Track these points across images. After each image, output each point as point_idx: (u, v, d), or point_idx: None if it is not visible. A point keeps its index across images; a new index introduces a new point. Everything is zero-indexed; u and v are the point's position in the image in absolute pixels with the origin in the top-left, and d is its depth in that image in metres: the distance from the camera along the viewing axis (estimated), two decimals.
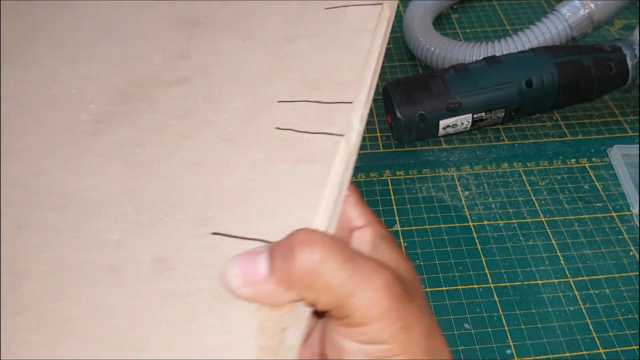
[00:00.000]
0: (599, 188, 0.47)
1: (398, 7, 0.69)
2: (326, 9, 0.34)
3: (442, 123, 0.49)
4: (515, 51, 0.53)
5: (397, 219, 0.46)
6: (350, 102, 0.28)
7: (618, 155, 0.49)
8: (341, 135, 0.26)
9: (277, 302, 0.21)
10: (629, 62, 0.50)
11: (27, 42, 0.39)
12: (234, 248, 0.23)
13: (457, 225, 0.45)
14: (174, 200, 0.26)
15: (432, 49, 0.57)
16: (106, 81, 0.34)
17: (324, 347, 0.24)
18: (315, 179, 0.25)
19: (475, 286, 0.41)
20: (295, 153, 0.27)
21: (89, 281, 0.24)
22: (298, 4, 0.36)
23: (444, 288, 0.41)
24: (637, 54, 0.50)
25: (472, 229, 0.45)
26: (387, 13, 0.33)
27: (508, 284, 0.41)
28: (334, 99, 0.29)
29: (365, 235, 0.26)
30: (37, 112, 0.33)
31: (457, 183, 0.48)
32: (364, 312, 0.21)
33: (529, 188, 0.47)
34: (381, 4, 0.33)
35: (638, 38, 0.50)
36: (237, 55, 0.33)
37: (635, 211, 0.45)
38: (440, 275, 0.42)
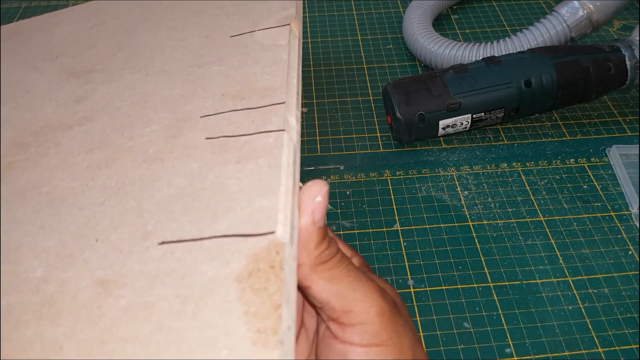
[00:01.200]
0: (598, 188, 0.47)
1: (398, 7, 0.70)
2: (231, 36, 0.33)
3: (442, 123, 0.49)
4: (515, 52, 0.53)
5: (397, 218, 0.46)
6: (283, 103, 0.27)
7: (617, 155, 0.49)
8: (282, 130, 0.25)
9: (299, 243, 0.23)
10: (628, 63, 0.50)
11: None
12: (190, 251, 0.22)
13: (456, 224, 0.45)
14: (102, 225, 0.24)
15: (432, 49, 0.57)
16: None
17: None
18: (265, 170, 0.24)
19: (475, 285, 0.41)
20: (235, 154, 0.25)
21: (20, 323, 0.21)
22: (198, 39, 0.34)
23: (443, 287, 0.41)
24: (636, 55, 0.50)
25: (472, 229, 0.45)
26: (296, 32, 0.32)
27: (507, 283, 0.41)
28: (264, 103, 0.28)
29: (356, 262, 0.27)
30: None
31: (457, 183, 0.48)
32: (364, 308, 0.23)
33: (528, 188, 0.48)
34: (289, 24, 0.32)
35: (637, 38, 0.50)
36: (143, 88, 0.31)
37: (634, 211, 0.45)
38: (440, 274, 0.42)
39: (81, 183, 0.26)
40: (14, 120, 0.32)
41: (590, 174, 0.49)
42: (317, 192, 0.23)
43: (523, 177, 0.49)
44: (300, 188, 0.24)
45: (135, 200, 0.24)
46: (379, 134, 0.53)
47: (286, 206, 0.22)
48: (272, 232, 0.21)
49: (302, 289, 0.24)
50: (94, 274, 0.22)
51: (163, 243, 0.22)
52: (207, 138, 0.26)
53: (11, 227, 0.25)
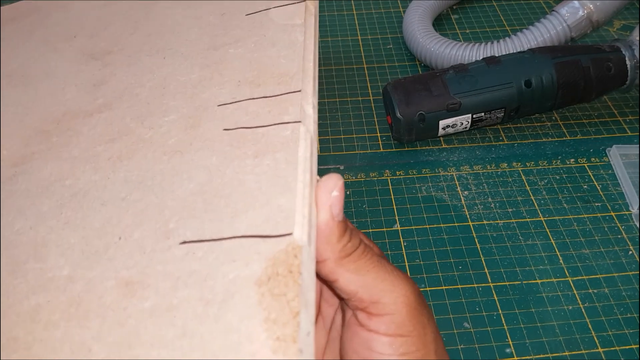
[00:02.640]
0: (598, 188, 0.47)
1: (398, 7, 0.70)
2: (247, 15, 0.33)
3: (442, 123, 0.49)
4: (515, 52, 0.53)
5: (397, 218, 0.46)
6: (299, 91, 0.27)
7: (617, 155, 0.49)
8: (298, 121, 0.25)
9: (319, 238, 0.23)
10: (628, 63, 0.50)
11: None
12: (211, 251, 0.22)
13: (456, 224, 0.45)
14: (126, 222, 0.24)
15: (432, 49, 0.57)
16: (17, 126, 0.31)
17: (344, 354, 0.25)
18: (283, 166, 0.24)
19: (475, 285, 0.41)
20: (252, 148, 0.25)
21: (48, 324, 0.22)
22: (214, 17, 0.34)
23: (443, 287, 0.41)
24: (636, 55, 0.50)
25: (472, 229, 0.45)
26: (312, 9, 0.32)
27: (507, 283, 0.41)
28: (280, 91, 0.27)
29: (374, 251, 0.27)
30: None
31: (457, 183, 0.48)
32: (392, 299, 0.23)
33: (528, 188, 0.48)
34: (303, 1, 0.32)
35: (637, 38, 0.50)
36: (160, 72, 0.31)
37: (634, 211, 0.45)
38: (440, 274, 0.42)
39: (103, 176, 0.26)
40: (36, 106, 0.32)
41: (590, 174, 0.49)
42: (333, 186, 0.23)
43: (523, 177, 0.48)
44: (318, 181, 0.24)
45: (156, 195, 0.25)
46: (379, 134, 0.53)
47: (304, 205, 0.22)
48: (290, 234, 0.21)
49: (328, 283, 0.24)
50: (119, 274, 0.22)
51: (185, 242, 0.22)
52: (224, 129, 0.26)
53: (38, 222, 0.25)
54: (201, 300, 0.20)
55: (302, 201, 0.22)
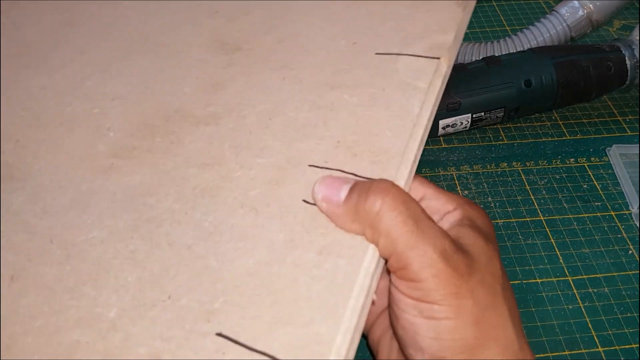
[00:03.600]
0: (598, 187, 0.47)
1: None
2: (377, 54, 0.31)
3: (442, 123, 0.49)
4: (515, 51, 0.53)
5: None
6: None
7: (617, 154, 0.49)
8: None
9: (342, 227, 0.24)
10: (628, 62, 0.50)
11: (57, 42, 0.35)
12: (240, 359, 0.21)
13: None
14: (180, 278, 0.24)
15: None
16: (131, 106, 0.31)
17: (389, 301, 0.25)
18: (340, 279, 0.22)
19: None
20: (320, 240, 0.24)
21: None
22: (346, 43, 0.32)
23: None
24: (636, 54, 0.50)
25: None
26: (444, 69, 0.29)
27: None
28: (371, 173, 0.26)
29: (455, 216, 0.27)
30: (54, 131, 0.30)
31: (457, 182, 0.48)
32: (418, 267, 0.22)
33: (528, 187, 0.48)
34: (438, 58, 0.29)
35: (637, 38, 0.50)
36: (274, 96, 0.30)
37: (634, 210, 0.45)
38: None
39: (182, 208, 0.26)
40: (157, 86, 0.31)
41: (590, 173, 0.49)
42: (315, 190, 0.25)
43: (523, 176, 0.48)
44: (373, 302, 0.24)
45: (216, 259, 0.24)
46: None
47: (344, 341, 0.21)
48: None
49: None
50: (154, 342, 0.22)
51: (220, 335, 0.22)
52: (303, 200, 0.26)
53: (110, 238, 0.25)
54: None
55: (342, 337, 0.21)
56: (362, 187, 0.24)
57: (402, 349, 0.25)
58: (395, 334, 0.25)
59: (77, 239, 0.25)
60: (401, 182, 0.25)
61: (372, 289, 0.23)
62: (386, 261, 0.24)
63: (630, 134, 0.52)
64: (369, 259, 0.23)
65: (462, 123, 0.49)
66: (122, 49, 0.34)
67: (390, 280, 0.25)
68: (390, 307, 0.25)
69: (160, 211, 0.26)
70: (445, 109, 0.48)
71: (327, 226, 0.24)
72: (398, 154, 0.26)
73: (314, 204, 0.25)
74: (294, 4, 0.36)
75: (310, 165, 0.27)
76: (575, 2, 0.54)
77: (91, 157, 0.29)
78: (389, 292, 0.25)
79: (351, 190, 0.24)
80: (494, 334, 0.23)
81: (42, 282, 0.24)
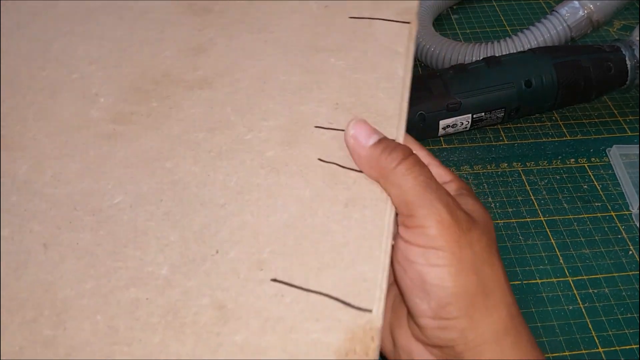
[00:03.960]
0: (598, 188, 0.47)
1: None
2: (350, 17, 0.32)
3: (442, 123, 0.49)
4: (515, 52, 0.53)
5: None
6: (393, 140, 0.27)
7: (617, 155, 0.49)
8: None
9: (360, 167, 0.26)
10: (628, 63, 0.50)
11: (4, 6, 0.33)
12: (298, 302, 0.22)
13: None
14: (222, 234, 0.24)
15: (432, 49, 0.57)
16: (112, 70, 0.30)
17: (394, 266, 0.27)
18: (370, 227, 0.25)
19: None
20: (344, 193, 0.26)
21: (146, 325, 0.22)
22: (317, 5, 0.33)
23: None
24: (636, 55, 0.50)
25: None
26: (413, 34, 0.31)
27: None
28: None
29: (451, 186, 0.30)
30: (36, 98, 0.29)
31: None
32: (425, 214, 0.25)
33: (528, 188, 0.48)
34: (409, 23, 0.31)
35: (637, 38, 0.50)
36: (261, 61, 0.30)
37: (634, 211, 0.45)
38: None
39: (202, 170, 0.27)
40: (134, 53, 0.31)
41: (590, 174, 0.49)
42: (350, 128, 0.27)
43: (523, 177, 0.49)
44: (393, 246, 0.25)
45: (252, 215, 0.25)
46: None
47: (383, 279, 0.23)
48: (370, 311, 0.22)
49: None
50: (214, 293, 0.23)
51: (275, 281, 0.23)
52: (319, 159, 0.27)
53: (137, 201, 0.25)
54: (285, 352, 0.21)
55: (382, 274, 0.23)
56: (389, 143, 0.27)
57: (406, 301, 0.26)
58: (401, 289, 0.27)
59: (102, 204, 0.25)
60: (400, 140, 0.27)
61: (391, 224, 0.25)
62: (396, 214, 0.27)
63: (630, 134, 0.52)
64: (390, 208, 0.25)
65: (462, 123, 0.49)
66: (79, 10, 0.33)
67: (398, 235, 0.26)
68: (397, 265, 0.26)
69: (181, 174, 0.26)
70: (446, 109, 0.48)
71: (346, 182, 0.26)
72: (395, 115, 0.28)
73: (330, 162, 0.27)
74: None
75: (316, 127, 0.28)
76: (576, 2, 0.54)
77: (88, 124, 0.28)
78: (396, 252, 0.26)
79: (379, 141, 0.26)
80: (491, 286, 0.26)
81: (79, 247, 0.24)
